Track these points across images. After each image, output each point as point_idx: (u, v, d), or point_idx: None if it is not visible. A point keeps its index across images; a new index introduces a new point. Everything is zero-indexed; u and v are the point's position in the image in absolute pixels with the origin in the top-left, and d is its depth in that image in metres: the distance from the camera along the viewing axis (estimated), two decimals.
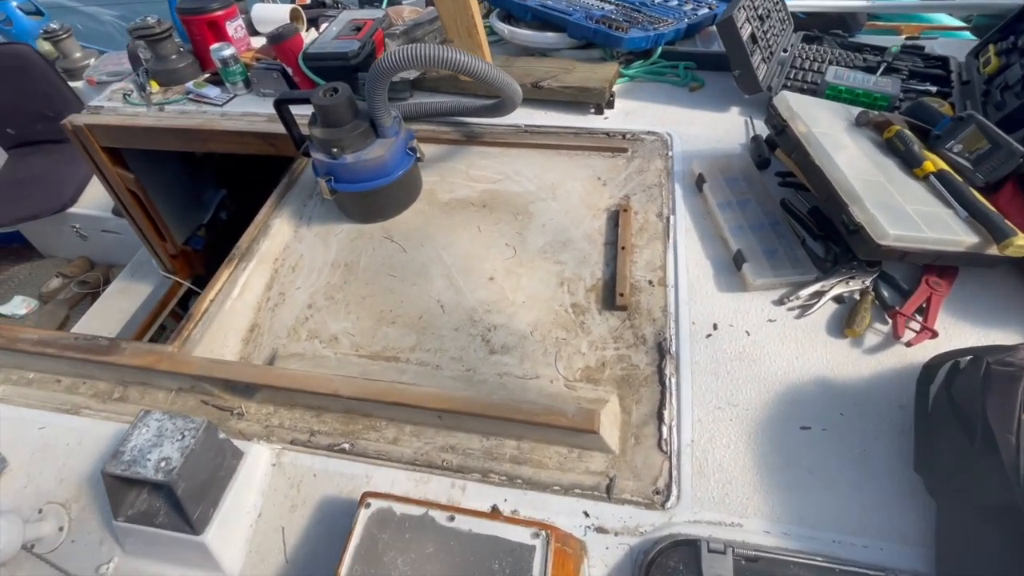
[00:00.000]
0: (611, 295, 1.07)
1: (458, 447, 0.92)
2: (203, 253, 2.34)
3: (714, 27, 1.79)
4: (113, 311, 2.31)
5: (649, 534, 0.82)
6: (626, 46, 1.51)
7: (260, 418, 0.98)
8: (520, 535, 0.75)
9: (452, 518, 0.77)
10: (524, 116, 1.48)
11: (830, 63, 1.49)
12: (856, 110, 1.18)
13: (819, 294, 1.02)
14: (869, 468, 0.84)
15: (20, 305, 2.83)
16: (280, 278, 1.20)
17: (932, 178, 1.01)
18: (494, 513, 0.78)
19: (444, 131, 1.46)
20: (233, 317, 1.11)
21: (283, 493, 0.91)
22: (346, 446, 0.93)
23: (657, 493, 0.85)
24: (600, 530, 0.83)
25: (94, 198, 2.83)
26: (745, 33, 1.39)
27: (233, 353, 1.08)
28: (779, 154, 1.22)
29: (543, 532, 0.75)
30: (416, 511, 0.78)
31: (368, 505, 0.79)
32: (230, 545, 0.86)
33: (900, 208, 0.94)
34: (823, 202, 1.03)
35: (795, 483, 0.84)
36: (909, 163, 1.05)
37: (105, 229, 2.85)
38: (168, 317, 2.44)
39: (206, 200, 2.36)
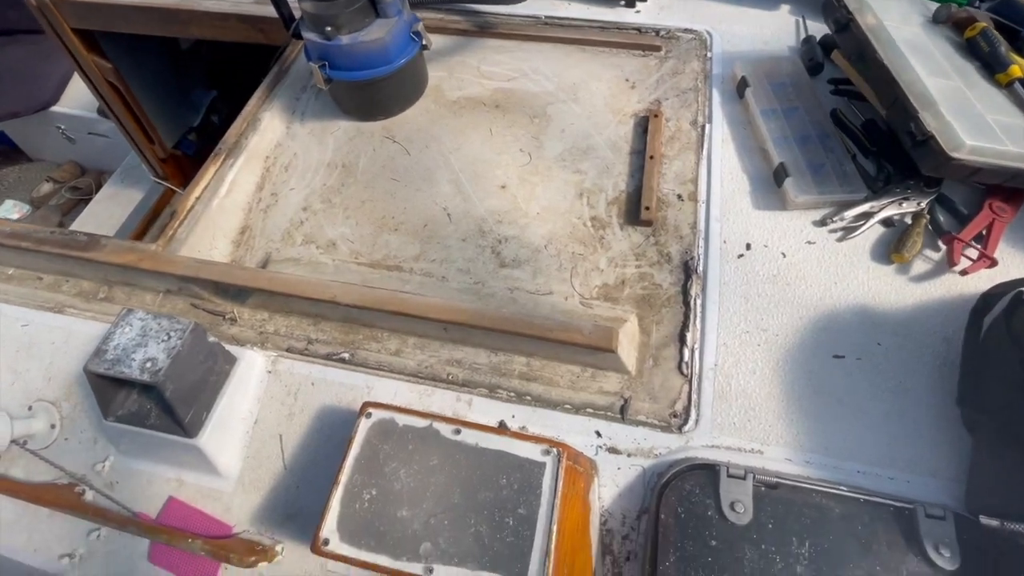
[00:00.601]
0: (635, 209, 0.98)
1: (464, 361, 0.87)
2: (195, 159, 2.20)
3: None
4: (104, 217, 2.22)
5: (664, 457, 0.78)
6: None
7: (254, 324, 0.92)
8: (529, 451, 0.71)
9: (458, 431, 0.73)
10: (544, 6, 1.30)
11: None
12: (934, 4, 1.02)
13: (866, 215, 0.92)
14: (904, 400, 0.78)
15: (11, 209, 2.74)
16: (272, 178, 1.09)
17: (1018, 85, 0.88)
18: (502, 429, 0.74)
19: (453, 20, 1.29)
20: (222, 217, 1.02)
21: (280, 401, 0.86)
22: (346, 356, 0.88)
23: (674, 416, 0.81)
24: (612, 450, 0.79)
25: (78, 97, 2.64)
26: None
27: (223, 256, 1.00)
28: (835, 57, 1.07)
29: (554, 449, 0.71)
30: (420, 423, 0.73)
31: (369, 415, 0.74)
32: (226, 449, 0.83)
33: (979, 117, 0.82)
34: (887, 109, 0.90)
35: (822, 412, 0.79)
36: (992, 67, 0.91)
37: (93, 132, 2.69)
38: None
39: (195, 100, 2.19)
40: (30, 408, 0.91)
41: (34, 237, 0.95)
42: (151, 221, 2.20)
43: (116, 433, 0.84)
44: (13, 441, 0.87)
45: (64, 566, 0.84)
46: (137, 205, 2.24)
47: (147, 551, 0.84)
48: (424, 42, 1.07)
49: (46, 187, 2.95)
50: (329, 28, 0.97)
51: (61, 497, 0.85)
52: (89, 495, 0.86)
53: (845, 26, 0.98)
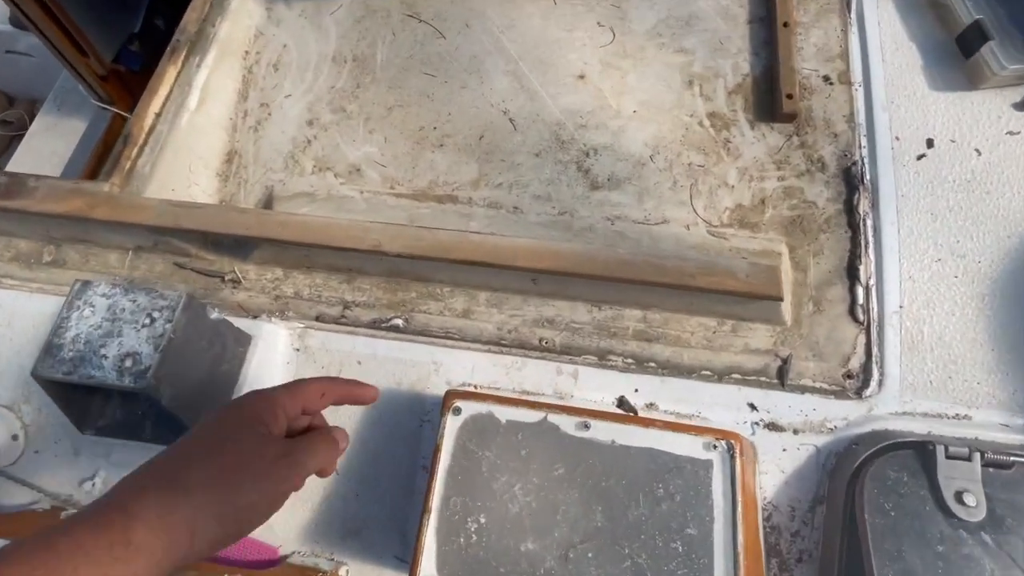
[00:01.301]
0: (768, 98, 0.72)
1: (558, 321, 0.65)
2: (143, 76, 1.81)
3: None
4: (45, 154, 1.85)
5: (841, 431, 0.59)
6: None
7: (265, 286, 0.68)
8: (687, 446, 0.52)
9: (586, 425, 0.52)
10: None
11: None
12: None
13: None
14: None
15: None
16: (257, 81, 0.79)
17: None
18: (641, 417, 0.54)
19: None
20: (196, 139, 0.73)
21: None
22: (399, 322, 0.65)
23: (849, 377, 0.61)
24: (773, 427, 0.60)
25: None
26: None
27: (208, 194, 0.73)
28: None
29: (722, 442, 0.51)
30: (530, 416, 0.53)
31: (457, 411, 0.53)
32: None
33: None
34: None
35: None
36: None
37: (11, 50, 2.22)
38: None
39: (131, 1, 1.75)
40: None
41: None
42: (103, 155, 1.84)
43: (101, 448, 0.63)
44: None
45: None
46: (82, 137, 1.86)
47: None
48: None
49: None
50: None
51: (38, 526, 0.65)
52: None
53: None
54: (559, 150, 0.72)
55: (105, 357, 0.50)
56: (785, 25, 0.73)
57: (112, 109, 1.79)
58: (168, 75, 0.73)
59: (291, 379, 0.66)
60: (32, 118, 2.52)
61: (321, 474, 0.41)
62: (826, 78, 0.72)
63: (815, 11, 0.76)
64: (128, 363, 0.50)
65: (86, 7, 1.57)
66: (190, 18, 0.78)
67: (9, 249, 0.73)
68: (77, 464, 0.67)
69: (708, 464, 0.51)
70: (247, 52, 0.81)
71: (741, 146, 0.70)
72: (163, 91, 0.73)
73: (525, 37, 0.78)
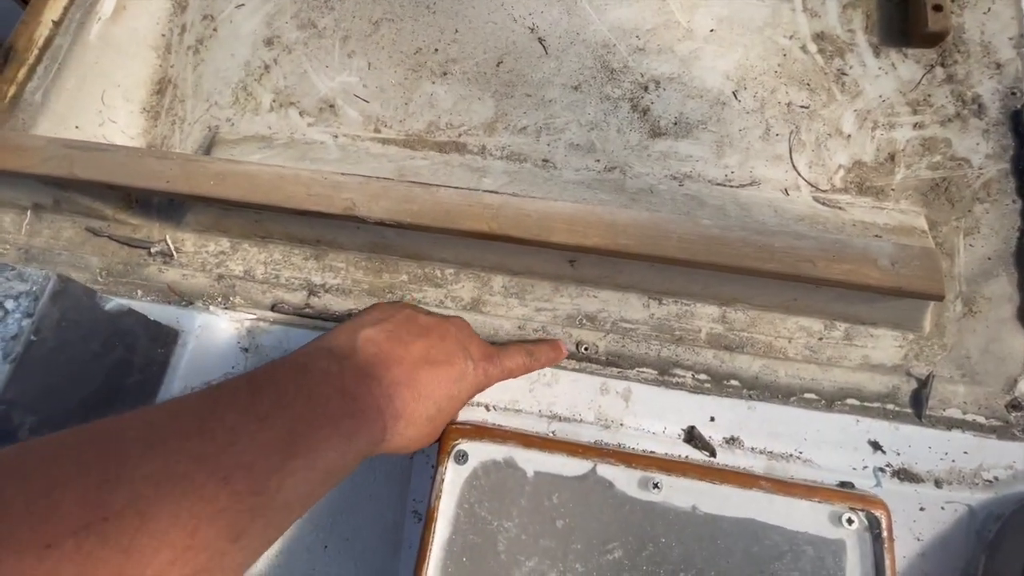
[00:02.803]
0: (899, 13, 0.52)
1: (603, 318, 0.47)
2: None
3: None
4: None
5: (1006, 485, 0.42)
6: None
7: (205, 261, 0.50)
8: (805, 517, 0.34)
9: (655, 484, 0.35)
10: None
11: None
12: None
13: None
14: None
15: None
16: None
17: None
18: (738, 473, 0.36)
19: None
20: (112, 60, 0.54)
21: None
22: None
23: (1017, 408, 0.43)
24: (905, 475, 0.43)
25: None
26: None
27: (129, 135, 0.55)
28: None
29: (860, 513, 0.34)
30: (570, 466, 0.35)
31: (461, 456, 0.36)
32: None
33: None
34: None
35: None
36: None
37: None
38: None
39: None
40: None
41: None
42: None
43: None
44: None
45: None
46: None
47: None
48: None
49: None
50: None
51: None
52: None
53: None
54: (607, 82, 0.52)
55: None
56: None
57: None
58: None
59: None
60: None
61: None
62: None
63: None
64: None
65: None
66: None
67: None
68: None
69: (839, 546, 0.34)
70: None
71: (861, 80, 0.51)
72: None
73: None
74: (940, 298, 0.38)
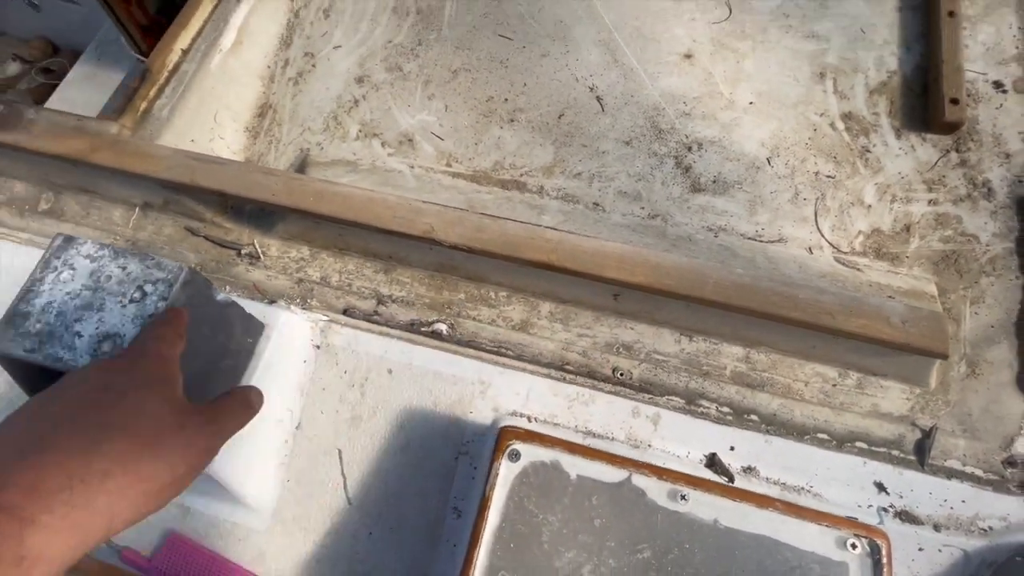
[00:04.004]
0: (920, 102, 0.58)
1: (638, 348, 0.52)
2: None
3: None
4: (79, 102, 1.78)
5: (1000, 535, 0.46)
6: None
7: (287, 266, 0.57)
8: (814, 539, 0.39)
9: (683, 496, 0.40)
10: None
11: None
12: None
13: None
14: None
15: None
16: (304, 27, 0.68)
17: None
18: (759, 496, 0.41)
19: None
20: (226, 85, 0.63)
21: (337, 395, 0.53)
22: (442, 328, 0.53)
23: (1012, 465, 0.48)
24: (906, 517, 0.47)
25: None
26: None
27: (233, 149, 0.62)
28: None
29: (863, 539, 0.38)
30: (609, 474, 0.40)
31: (515, 455, 0.41)
32: (253, 468, 0.52)
33: None
34: None
35: None
36: None
37: None
38: None
39: None
40: None
41: None
42: None
43: None
44: None
45: None
46: (118, 88, 1.80)
47: None
48: None
49: (13, 67, 2.45)
50: None
51: None
52: None
53: None
54: (655, 140, 0.59)
55: (79, 335, 0.39)
56: (951, 15, 0.59)
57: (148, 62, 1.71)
58: (203, 7, 0.63)
59: (308, 381, 0.55)
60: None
61: None
62: (997, 84, 0.58)
63: (984, 3, 0.62)
64: (106, 346, 0.39)
65: None
66: None
67: (2, 191, 0.63)
68: None
69: (843, 569, 0.38)
70: None
71: (883, 157, 0.57)
72: (195, 25, 0.62)
73: (624, 3, 0.66)
74: (944, 357, 0.44)
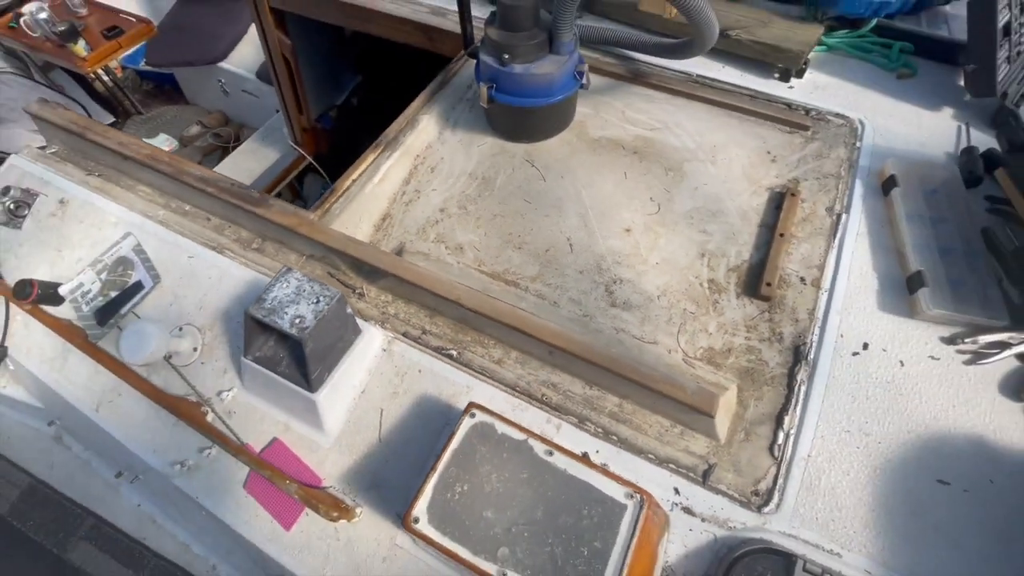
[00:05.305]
0: (755, 281, 0.99)
1: (560, 386, 0.91)
2: (329, 133, 2.41)
3: (947, 8, 1.51)
4: (241, 169, 2.47)
5: (738, 532, 0.79)
6: (842, 8, 1.31)
7: (378, 303, 1.02)
8: (614, 491, 0.75)
9: (551, 453, 0.77)
10: (698, 65, 1.34)
11: None
12: None
13: (1002, 345, 0.88)
14: (1009, 548, 0.75)
15: (164, 142, 3.10)
16: (418, 175, 1.20)
17: None
18: (590, 462, 0.77)
19: (608, 62, 1.36)
20: (371, 201, 1.13)
21: (388, 379, 0.95)
22: (454, 353, 0.95)
23: (756, 494, 0.81)
24: (688, 511, 0.81)
25: (242, 58, 2.97)
26: (1000, 20, 1.15)
27: (364, 236, 1.11)
28: (999, 175, 1.04)
29: (638, 495, 0.74)
30: (517, 435, 0.79)
31: (473, 415, 0.80)
32: (334, 410, 0.92)
33: None
34: None
35: (914, 534, 0.76)
36: None
37: (245, 89, 3.01)
38: (285, 187, 2.58)
39: (343, 82, 2.40)
40: (180, 329, 1.04)
41: (218, 185, 1.10)
42: (280, 181, 2.43)
43: (248, 370, 0.95)
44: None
45: (173, 471, 0.96)
46: (271, 165, 2.48)
47: (244, 479, 0.94)
48: (584, 81, 1.14)
49: (194, 129, 3.31)
50: (506, 56, 1.06)
51: (188, 412, 0.98)
52: (210, 416, 0.98)
53: (1020, 147, 0.95)
54: (596, 273, 1.03)
55: (286, 313, 0.84)
56: (781, 235, 1.02)
57: (300, 151, 2.39)
58: (368, 159, 1.15)
59: (374, 367, 0.97)
60: (237, 136, 3.31)
61: None
62: (802, 279, 0.99)
63: (809, 231, 1.05)
64: (297, 320, 0.84)
65: (316, 81, 2.21)
66: (393, 128, 1.21)
67: (236, 233, 1.13)
68: (222, 379, 1.00)
69: (624, 507, 0.73)
70: (418, 155, 1.23)
71: (725, 308, 0.97)
72: (362, 166, 1.14)
73: (598, 194, 1.13)
74: (710, 416, 0.80)
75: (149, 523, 1.23)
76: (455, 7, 1.28)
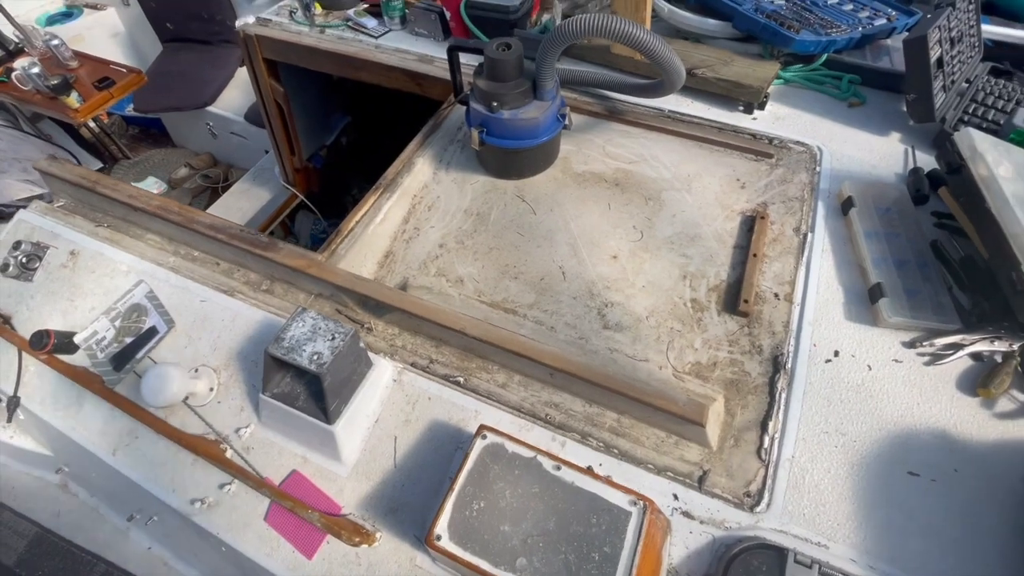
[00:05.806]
0: (733, 299, 1.08)
1: (562, 406, 0.98)
2: (320, 172, 2.49)
3: (888, 41, 1.67)
4: (233, 209, 2.53)
5: (734, 531, 0.86)
6: (795, 48, 1.44)
7: (386, 336, 1.08)
8: (619, 499, 0.81)
9: (558, 467, 0.84)
10: (670, 102, 1.46)
11: (1019, 104, 1.36)
12: None
13: (956, 346, 0.98)
14: (974, 530, 0.83)
15: (153, 185, 3.14)
16: (417, 214, 1.28)
17: None
18: (595, 474, 0.84)
19: (587, 101, 1.47)
20: (374, 241, 1.20)
21: (400, 407, 1.00)
22: (460, 379, 1.01)
23: (747, 495, 0.88)
24: (687, 515, 0.87)
25: (229, 101, 3.06)
26: (933, 55, 1.29)
27: (369, 273, 1.18)
28: (942, 193, 1.16)
29: (641, 502, 0.80)
30: (526, 453, 0.85)
31: (484, 436, 0.87)
32: (351, 439, 0.98)
33: None
34: (989, 253, 0.98)
35: (892, 524, 0.84)
36: None
37: (233, 131, 3.09)
38: (278, 227, 2.64)
39: (333, 123, 2.50)
40: (196, 371, 1.09)
41: (227, 231, 1.16)
42: (274, 219, 2.48)
43: (265, 406, 1.00)
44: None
45: (193, 508, 1.00)
46: (264, 204, 2.54)
47: (265, 511, 0.98)
48: (567, 123, 1.24)
49: (183, 171, 3.36)
50: (495, 103, 1.16)
51: (207, 450, 1.02)
52: (229, 453, 1.02)
53: (957, 169, 1.07)
54: (588, 298, 1.11)
55: (304, 351, 0.90)
56: (755, 255, 1.11)
57: (292, 190, 2.46)
58: (370, 200, 1.23)
59: (386, 397, 1.02)
60: (226, 177, 3.37)
61: None
62: (776, 295, 1.08)
63: (779, 251, 1.15)
64: (315, 357, 0.89)
65: (307, 123, 2.30)
66: (391, 171, 1.30)
67: (245, 276, 1.19)
68: (239, 417, 1.05)
69: (629, 513, 0.80)
70: (415, 195, 1.31)
71: (708, 325, 1.06)
72: (364, 208, 1.21)
73: (585, 224, 1.22)
74: (701, 425, 0.87)
75: (160, 565, 1.25)
76: (442, 54, 1.38)
